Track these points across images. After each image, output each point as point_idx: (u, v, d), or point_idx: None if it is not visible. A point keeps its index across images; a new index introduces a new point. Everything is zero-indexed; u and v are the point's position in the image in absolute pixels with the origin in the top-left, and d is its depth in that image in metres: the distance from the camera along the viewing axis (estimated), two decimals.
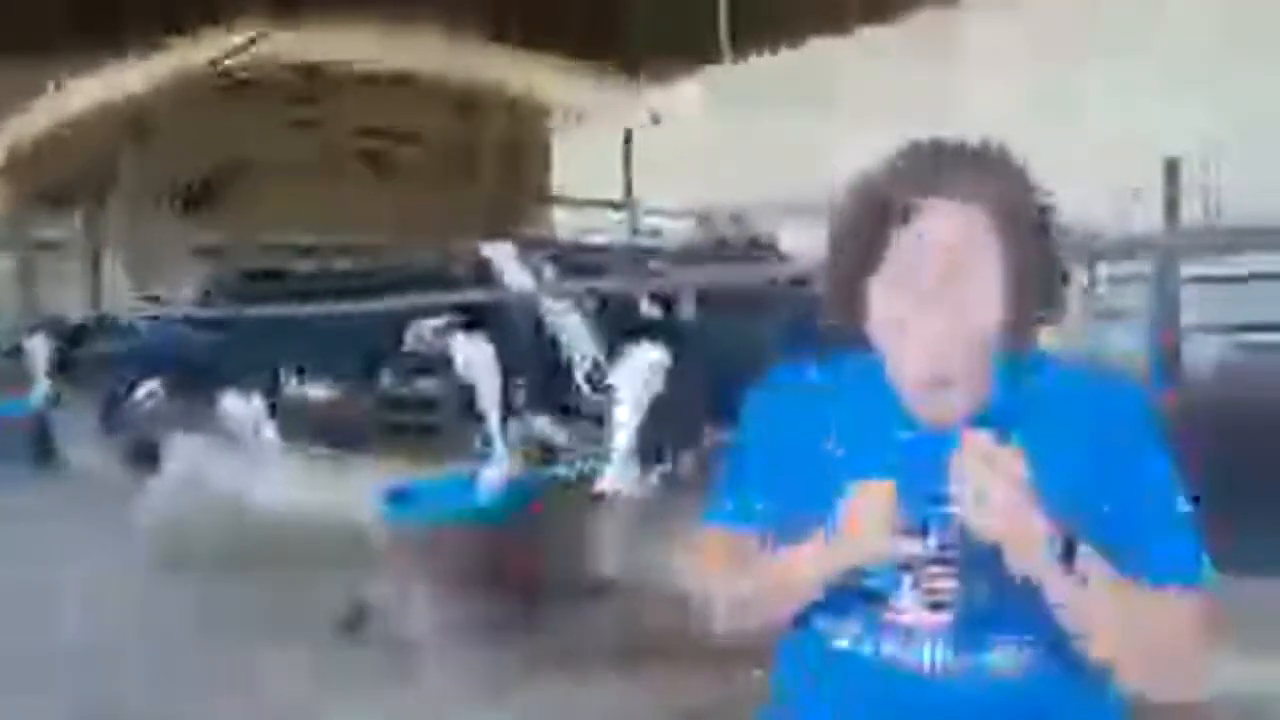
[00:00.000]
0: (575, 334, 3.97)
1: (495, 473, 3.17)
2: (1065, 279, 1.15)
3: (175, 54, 9.44)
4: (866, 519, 1.03)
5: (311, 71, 11.69)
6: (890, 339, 1.08)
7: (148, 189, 13.61)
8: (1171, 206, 4.91)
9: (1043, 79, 6.73)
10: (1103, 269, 5.09)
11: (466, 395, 3.29)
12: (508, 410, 3.51)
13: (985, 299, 1.04)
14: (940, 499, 1.04)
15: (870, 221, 1.07)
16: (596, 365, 4.00)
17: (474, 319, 3.66)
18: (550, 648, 3.11)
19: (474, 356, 3.23)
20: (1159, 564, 1.04)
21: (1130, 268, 5.36)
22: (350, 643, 3.26)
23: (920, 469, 1.05)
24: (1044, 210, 1.09)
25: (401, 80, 12.42)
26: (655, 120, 5.45)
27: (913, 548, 1.07)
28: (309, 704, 2.81)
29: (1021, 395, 1.12)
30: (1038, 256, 1.06)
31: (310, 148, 15.65)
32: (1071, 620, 1.01)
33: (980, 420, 1.06)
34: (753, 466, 1.23)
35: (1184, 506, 1.08)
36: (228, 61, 9.33)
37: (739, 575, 1.18)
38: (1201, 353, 5.37)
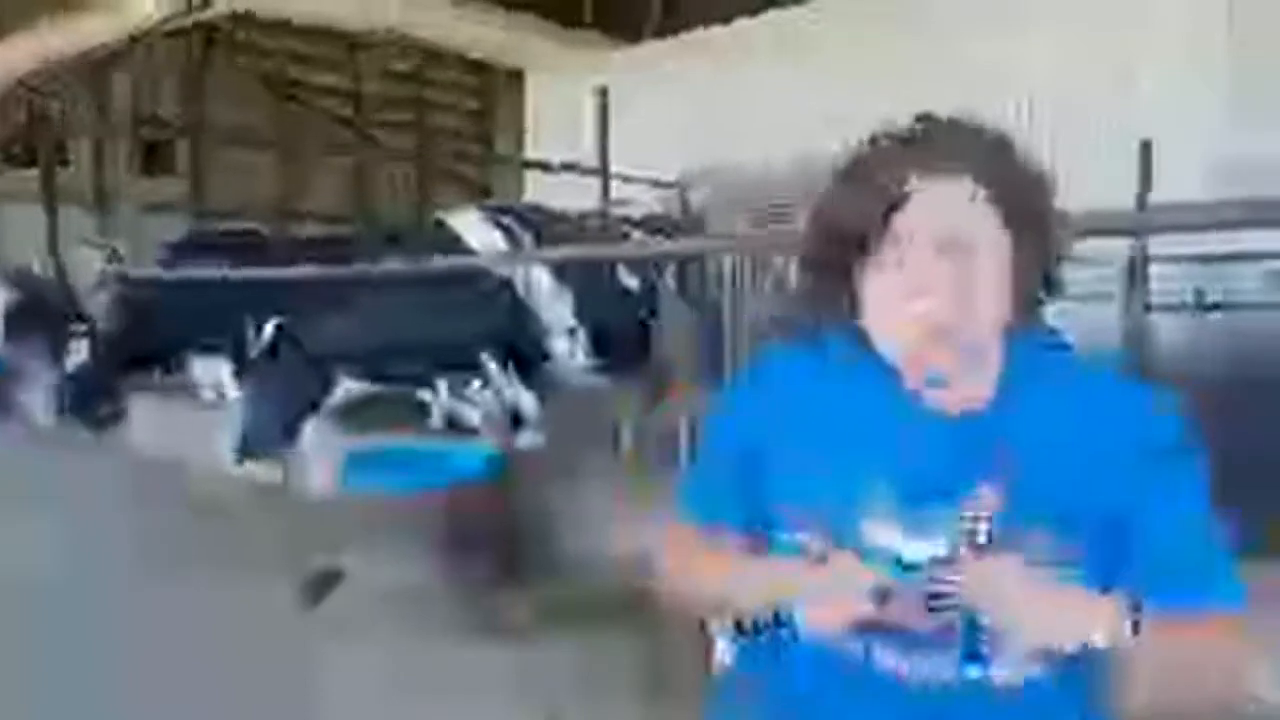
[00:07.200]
0: (549, 301, 3.92)
1: None
2: (1061, 260, 1.06)
3: (135, 6, 9.15)
4: (835, 593, 0.97)
5: (278, 29, 11.40)
6: (889, 326, 1.01)
7: (109, 143, 13.29)
8: (1144, 184, 5.04)
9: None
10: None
11: None
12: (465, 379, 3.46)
13: (988, 281, 0.98)
14: (948, 493, 0.97)
15: (863, 204, 0.99)
16: (572, 333, 3.95)
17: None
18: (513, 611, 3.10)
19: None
20: (1195, 583, 0.97)
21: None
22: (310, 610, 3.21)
23: (926, 459, 1.00)
24: (1044, 187, 1.02)
25: (368, 40, 12.16)
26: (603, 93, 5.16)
27: (916, 550, 0.99)
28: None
29: (1031, 379, 1.04)
30: (1039, 237, 1.00)
31: (273, 107, 15.34)
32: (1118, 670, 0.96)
33: (986, 411, 1.02)
34: (731, 460, 1.13)
35: (1212, 519, 1.01)
36: (192, 16, 9.06)
37: (707, 574, 1.13)
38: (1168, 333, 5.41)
